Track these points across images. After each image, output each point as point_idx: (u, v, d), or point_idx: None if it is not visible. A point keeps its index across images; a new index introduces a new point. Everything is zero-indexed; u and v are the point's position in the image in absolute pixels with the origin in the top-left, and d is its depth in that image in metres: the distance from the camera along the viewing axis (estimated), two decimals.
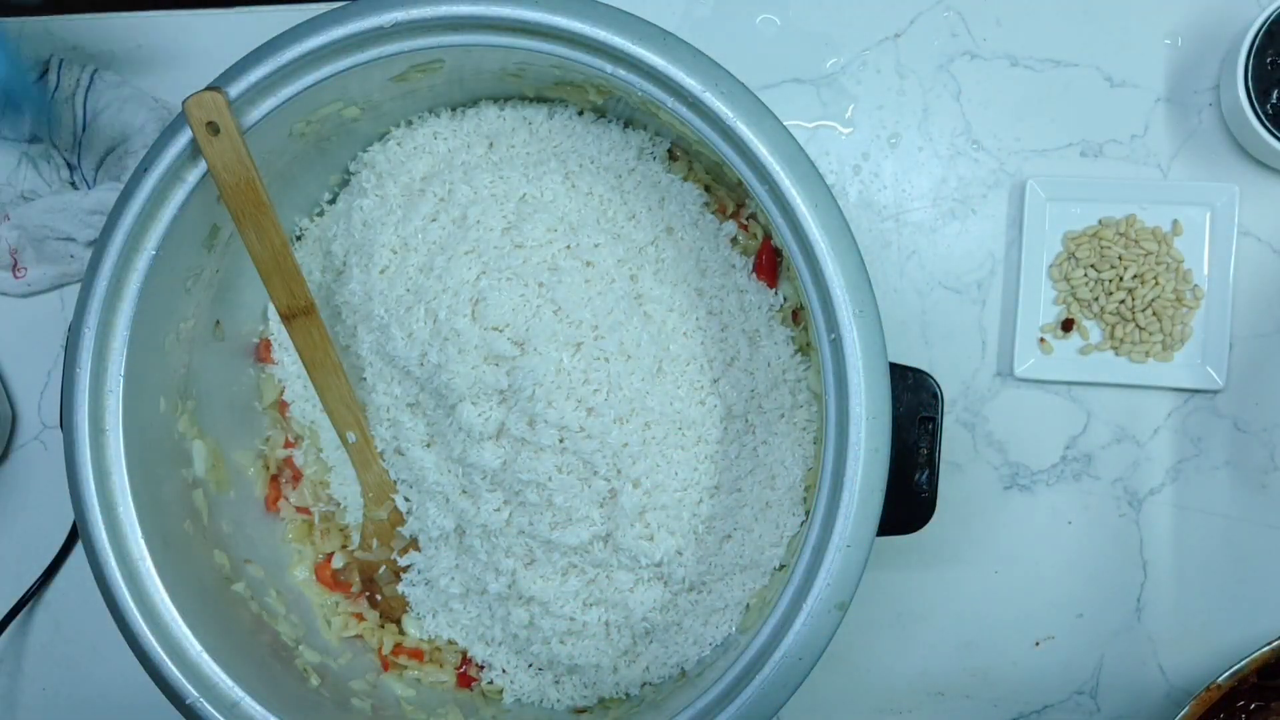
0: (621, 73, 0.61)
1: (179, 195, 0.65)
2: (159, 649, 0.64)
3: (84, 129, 0.82)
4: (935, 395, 0.64)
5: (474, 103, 0.74)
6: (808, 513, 0.67)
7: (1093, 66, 0.76)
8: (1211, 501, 0.75)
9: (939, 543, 0.77)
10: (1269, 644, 0.68)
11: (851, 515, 0.58)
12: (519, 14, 0.61)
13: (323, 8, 0.63)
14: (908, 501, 0.64)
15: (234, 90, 0.62)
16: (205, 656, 0.64)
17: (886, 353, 0.59)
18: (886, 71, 0.78)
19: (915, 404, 0.64)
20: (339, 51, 0.63)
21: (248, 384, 0.78)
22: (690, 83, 0.59)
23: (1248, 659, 0.68)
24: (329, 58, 0.63)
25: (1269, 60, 0.70)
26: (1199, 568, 0.75)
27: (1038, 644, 0.76)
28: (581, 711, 0.74)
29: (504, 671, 0.74)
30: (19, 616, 0.84)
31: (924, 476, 0.64)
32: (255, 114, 0.64)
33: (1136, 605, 0.76)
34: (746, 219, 0.72)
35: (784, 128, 0.59)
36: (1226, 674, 0.68)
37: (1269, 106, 0.70)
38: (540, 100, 0.73)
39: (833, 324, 0.59)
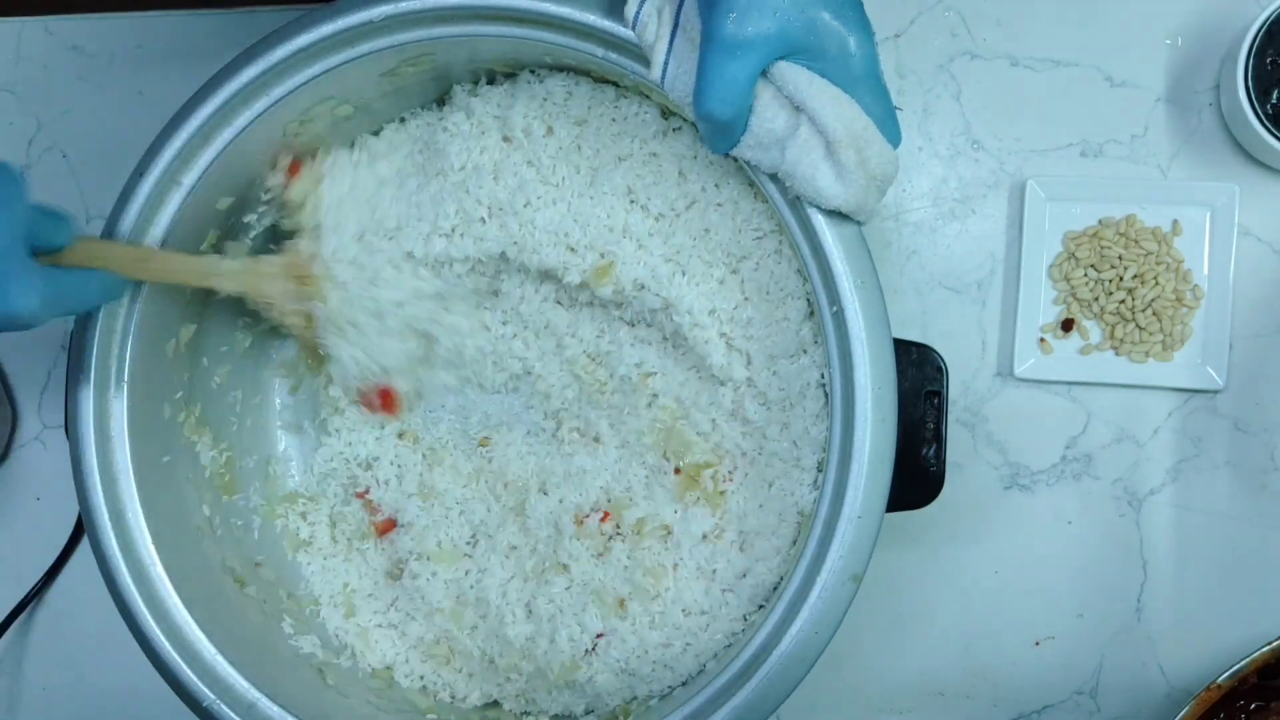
0: (614, 57, 0.61)
1: (175, 198, 0.65)
2: (173, 652, 0.64)
3: None
4: (940, 369, 0.63)
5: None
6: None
7: (1093, 66, 0.76)
8: (1211, 501, 0.75)
9: (939, 542, 0.77)
10: (1269, 644, 0.68)
11: (861, 486, 0.58)
12: (508, 1, 0.60)
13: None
14: (917, 476, 0.64)
15: (224, 93, 0.63)
16: (220, 658, 0.64)
17: (889, 322, 0.59)
18: (886, 71, 0.76)
19: (920, 379, 0.63)
20: (329, 48, 0.63)
21: (252, 387, 0.78)
22: None
23: (1248, 659, 0.68)
24: (320, 54, 0.63)
25: (1269, 60, 0.69)
26: (1199, 568, 0.75)
27: (1038, 644, 0.76)
28: None
29: None
30: (21, 616, 0.84)
31: (932, 450, 0.64)
32: (248, 113, 0.64)
33: (1136, 605, 0.76)
34: None
35: None
36: (1226, 674, 0.68)
37: (1269, 106, 0.70)
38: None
39: (834, 296, 0.59)
